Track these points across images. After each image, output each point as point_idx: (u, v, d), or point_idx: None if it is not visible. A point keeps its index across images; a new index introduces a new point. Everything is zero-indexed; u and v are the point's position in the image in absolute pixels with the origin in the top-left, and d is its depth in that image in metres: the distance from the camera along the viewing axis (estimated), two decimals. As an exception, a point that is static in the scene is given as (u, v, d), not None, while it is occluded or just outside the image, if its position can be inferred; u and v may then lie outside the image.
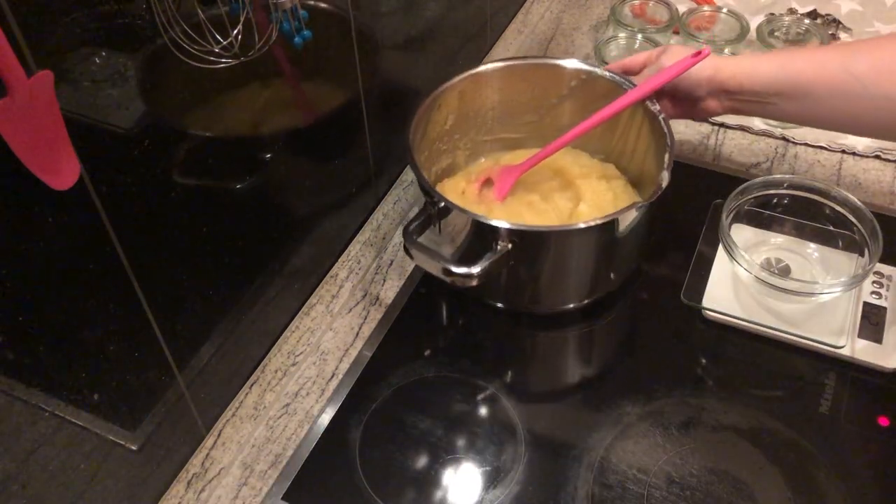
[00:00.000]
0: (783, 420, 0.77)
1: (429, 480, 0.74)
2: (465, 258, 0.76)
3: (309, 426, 0.79)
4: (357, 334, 0.87)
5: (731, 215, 0.88)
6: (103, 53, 0.56)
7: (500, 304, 0.87)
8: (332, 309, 0.90)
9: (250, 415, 0.80)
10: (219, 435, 0.79)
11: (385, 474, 0.75)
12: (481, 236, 0.77)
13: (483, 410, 0.80)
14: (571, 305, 0.86)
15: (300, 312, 0.89)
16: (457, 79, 0.90)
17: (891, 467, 0.74)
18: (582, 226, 0.77)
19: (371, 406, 0.80)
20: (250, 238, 0.79)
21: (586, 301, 0.86)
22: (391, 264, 0.95)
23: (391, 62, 0.98)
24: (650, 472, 0.74)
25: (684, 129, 1.09)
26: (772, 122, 1.08)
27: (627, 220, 0.78)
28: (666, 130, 0.83)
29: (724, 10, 1.17)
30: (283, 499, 0.74)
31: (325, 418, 0.79)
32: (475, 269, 0.74)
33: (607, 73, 0.90)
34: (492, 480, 0.74)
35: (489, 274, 0.75)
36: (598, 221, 0.76)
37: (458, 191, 0.90)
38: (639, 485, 0.73)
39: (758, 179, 0.90)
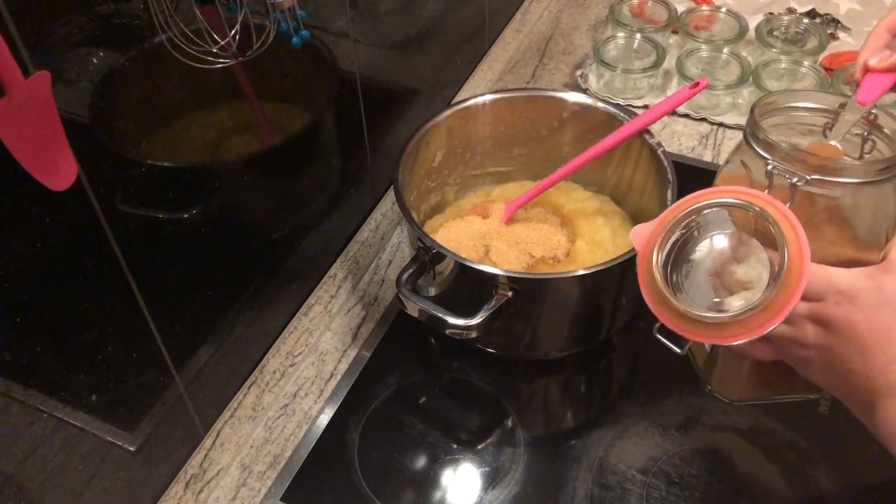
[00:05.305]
0: (783, 420, 0.77)
1: (427, 481, 0.74)
2: (462, 304, 0.72)
3: (307, 427, 0.79)
4: (355, 335, 0.87)
5: (730, 215, 0.87)
6: (101, 54, 0.56)
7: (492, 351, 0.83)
8: (331, 309, 0.90)
9: (249, 415, 0.80)
10: (217, 436, 0.78)
11: (384, 475, 0.74)
12: (479, 283, 0.74)
13: (482, 410, 0.80)
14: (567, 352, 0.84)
15: (298, 313, 0.89)
16: (445, 114, 0.86)
17: (890, 467, 0.74)
18: (582, 272, 0.72)
19: (370, 406, 0.80)
20: (248, 238, 0.78)
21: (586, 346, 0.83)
22: (389, 264, 0.94)
23: (390, 61, 0.98)
24: (649, 472, 0.74)
25: (682, 129, 1.09)
26: (771, 121, 1.07)
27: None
28: (666, 164, 0.80)
29: (723, 9, 1.17)
30: (281, 499, 0.73)
31: (324, 419, 0.79)
32: (473, 321, 0.70)
33: (601, 104, 0.87)
34: (491, 481, 0.74)
35: (489, 325, 0.71)
36: (602, 267, 0.71)
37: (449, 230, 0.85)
38: (638, 485, 0.73)
39: (757, 179, 0.89)
